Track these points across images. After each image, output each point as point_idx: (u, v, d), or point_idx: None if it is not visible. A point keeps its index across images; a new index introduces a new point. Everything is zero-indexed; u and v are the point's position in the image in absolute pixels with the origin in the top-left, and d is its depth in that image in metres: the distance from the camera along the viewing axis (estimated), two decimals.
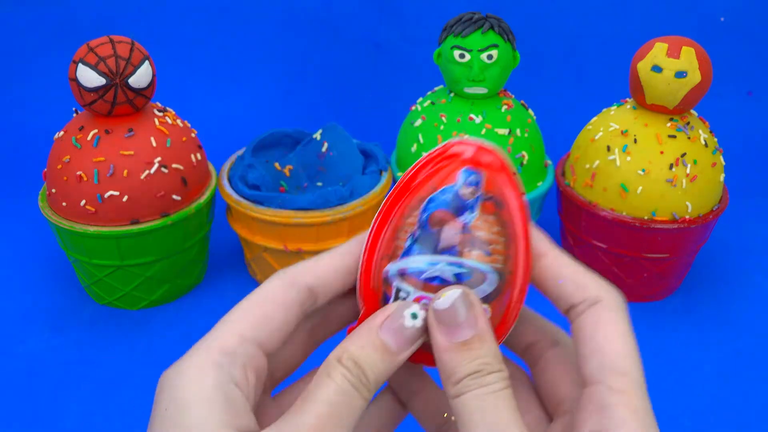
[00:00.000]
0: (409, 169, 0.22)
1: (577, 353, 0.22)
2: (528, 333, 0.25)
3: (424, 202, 0.22)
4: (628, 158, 0.52)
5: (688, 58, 0.50)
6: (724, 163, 0.54)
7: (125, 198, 0.50)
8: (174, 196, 0.52)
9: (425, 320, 0.21)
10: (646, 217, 0.52)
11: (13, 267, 0.61)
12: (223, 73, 0.88)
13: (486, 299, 0.22)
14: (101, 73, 0.48)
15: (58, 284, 0.59)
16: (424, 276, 0.22)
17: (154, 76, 0.51)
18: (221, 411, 0.19)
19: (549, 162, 0.61)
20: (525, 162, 0.56)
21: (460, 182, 0.22)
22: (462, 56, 0.55)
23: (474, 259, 0.22)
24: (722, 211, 0.54)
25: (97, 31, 0.82)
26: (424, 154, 0.23)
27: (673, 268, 0.56)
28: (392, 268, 0.22)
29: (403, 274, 0.22)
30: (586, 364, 0.21)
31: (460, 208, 0.22)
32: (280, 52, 0.88)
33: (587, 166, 0.55)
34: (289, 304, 0.22)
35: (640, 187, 0.52)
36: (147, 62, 0.51)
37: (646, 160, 0.52)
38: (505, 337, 0.23)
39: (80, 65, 0.49)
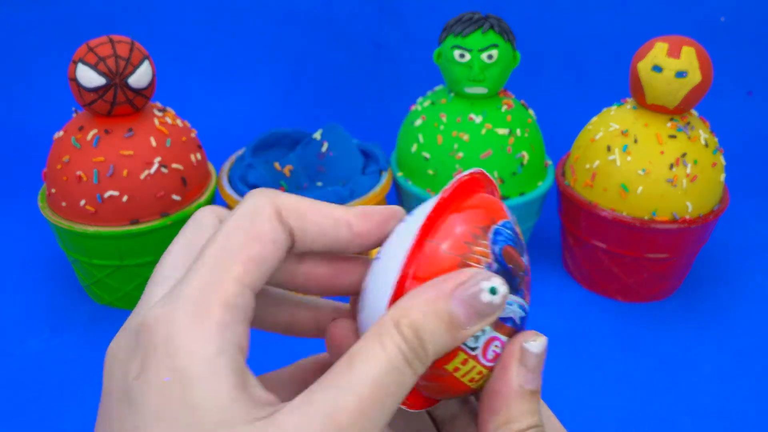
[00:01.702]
0: (448, 188, 0.20)
1: (480, 414, 0.20)
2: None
3: (491, 233, 0.19)
4: (629, 158, 0.52)
5: (689, 58, 0.50)
6: (724, 163, 0.54)
7: (125, 198, 0.50)
8: (174, 196, 0.52)
9: (505, 297, 0.18)
10: (646, 217, 0.52)
11: (13, 267, 0.61)
12: (223, 73, 0.88)
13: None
14: (101, 73, 0.48)
15: (58, 284, 0.59)
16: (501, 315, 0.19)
17: (154, 76, 0.51)
18: (232, 386, 0.16)
19: (549, 162, 0.61)
20: (525, 162, 0.56)
21: (513, 219, 0.21)
22: (462, 56, 0.55)
23: (525, 300, 0.21)
24: (722, 211, 0.54)
25: (97, 31, 0.82)
26: (454, 180, 0.20)
27: (674, 268, 0.56)
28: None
29: None
30: (485, 424, 0.20)
31: (521, 248, 0.20)
32: (280, 52, 0.88)
33: (587, 166, 0.55)
34: (280, 243, 0.19)
35: (641, 187, 0.52)
36: (147, 62, 0.51)
37: (646, 160, 0.52)
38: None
39: (80, 65, 0.49)
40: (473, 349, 0.19)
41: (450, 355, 0.19)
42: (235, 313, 0.17)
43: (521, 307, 0.20)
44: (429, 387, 0.20)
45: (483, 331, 0.19)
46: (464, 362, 0.19)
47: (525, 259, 0.20)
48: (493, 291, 0.18)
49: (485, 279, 0.18)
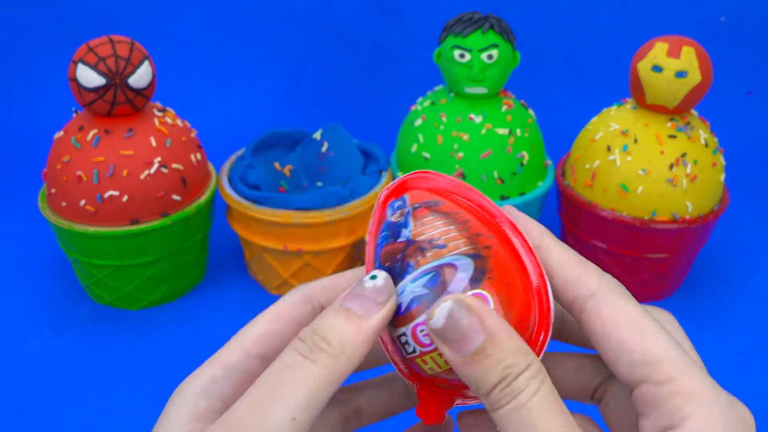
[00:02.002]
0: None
1: (602, 355, 0.21)
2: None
3: (375, 252, 0.22)
4: (629, 158, 0.52)
5: (689, 58, 0.50)
6: (724, 163, 0.54)
7: (125, 198, 0.50)
8: (174, 196, 0.52)
9: (387, 278, 0.21)
10: (646, 217, 0.52)
11: (13, 267, 0.61)
12: (223, 73, 0.88)
13: (474, 284, 0.20)
14: (101, 73, 0.48)
15: (58, 284, 0.59)
16: (402, 311, 0.21)
17: (154, 76, 0.51)
18: (189, 420, 0.20)
19: (549, 162, 0.61)
20: (525, 162, 0.56)
21: (388, 214, 0.22)
22: (462, 56, 0.55)
23: (431, 260, 0.21)
24: (722, 211, 0.54)
25: (97, 31, 0.82)
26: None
27: (674, 268, 0.56)
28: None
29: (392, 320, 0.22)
30: (618, 368, 0.20)
31: (397, 232, 0.22)
32: (280, 52, 0.88)
33: (587, 166, 0.55)
34: (302, 320, 0.22)
35: (641, 187, 0.52)
36: (147, 62, 0.51)
37: (646, 160, 0.52)
38: (546, 306, 0.21)
39: (80, 65, 0.49)
40: (417, 347, 0.21)
41: (415, 361, 0.21)
42: (232, 373, 0.21)
43: (415, 279, 0.21)
44: (437, 393, 0.22)
45: (406, 334, 0.21)
46: (424, 361, 0.21)
47: (408, 230, 0.22)
48: (372, 277, 0.21)
49: (367, 274, 0.21)
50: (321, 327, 0.20)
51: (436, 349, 0.20)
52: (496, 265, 0.21)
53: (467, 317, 0.19)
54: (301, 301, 0.23)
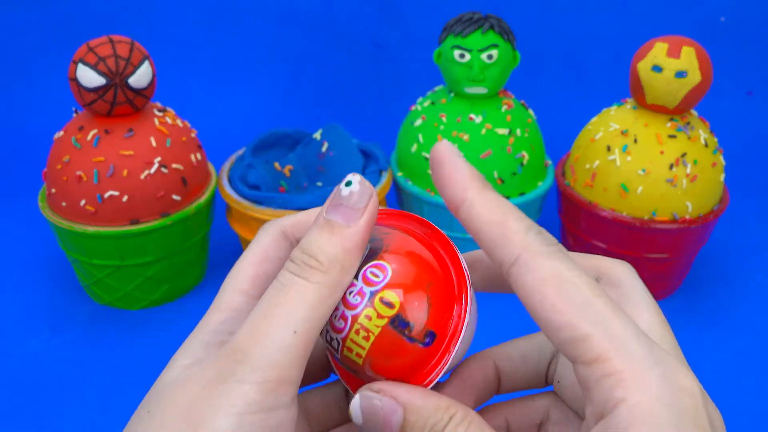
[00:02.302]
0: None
1: (540, 328, 0.19)
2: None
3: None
4: (629, 158, 0.52)
5: (688, 58, 0.50)
6: (724, 163, 0.54)
7: (125, 198, 0.50)
8: (174, 196, 0.52)
9: (362, 182, 0.20)
10: (646, 217, 0.52)
11: (13, 267, 0.61)
12: (223, 73, 0.88)
13: (369, 260, 0.21)
14: (101, 73, 0.48)
15: (58, 284, 0.59)
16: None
17: (154, 76, 0.51)
18: (191, 353, 0.20)
19: (549, 162, 0.61)
20: (525, 162, 0.56)
21: None
22: (462, 56, 0.55)
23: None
24: (722, 211, 0.54)
25: (97, 31, 0.82)
26: None
27: (673, 268, 0.56)
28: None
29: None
30: (555, 346, 0.19)
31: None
32: (280, 52, 0.88)
33: (587, 166, 0.55)
34: (285, 258, 0.22)
35: (641, 187, 0.52)
36: (147, 62, 0.50)
37: (646, 160, 0.52)
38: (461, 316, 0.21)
39: (80, 65, 0.49)
40: (335, 335, 0.21)
41: (345, 357, 0.21)
42: (238, 314, 0.21)
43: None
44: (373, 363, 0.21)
45: (328, 331, 0.21)
46: (349, 349, 0.21)
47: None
48: (348, 183, 0.20)
49: (342, 182, 0.21)
50: (309, 245, 0.20)
51: (350, 330, 0.21)
52: (392, 241, 0.21)
53: (380, 401, 0.20)
54: (277, 238, 0.22)
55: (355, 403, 0.20)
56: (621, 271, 0.22)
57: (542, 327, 0.18)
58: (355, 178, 0.20)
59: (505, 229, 0.19)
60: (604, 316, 0.17)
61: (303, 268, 0.19)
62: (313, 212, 0.23)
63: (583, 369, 0.17)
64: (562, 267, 0.18)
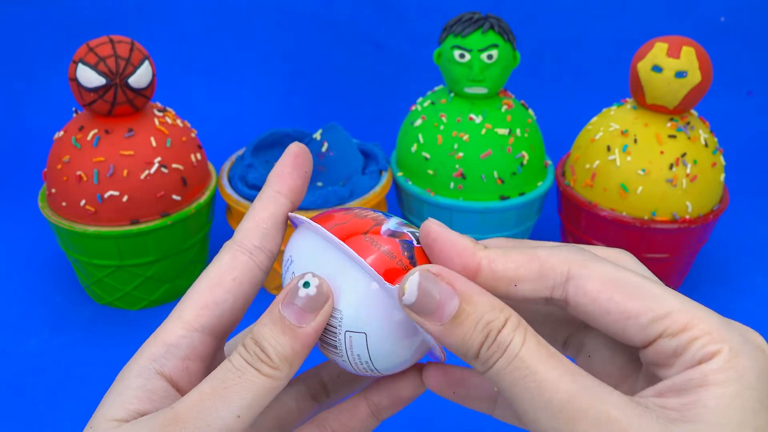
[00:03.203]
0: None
1: (605, 330, 0.20)
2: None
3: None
4: (628, 158, 0.52)
5: (688, 58, 0.50)
6: (724, 163, 0.54)
7: (125, 198, 0.50)
8: (174, 196, 0.52)
9: (319, 286, 0.20)
10: (646, 217, 0.52)
11: (13, 267, 0.61)
12: (223, 73, 0.88)
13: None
14: (101, 73, 0.48)
15: (58, 284, 0.59)
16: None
17: (154, 76, 0.51)
18: (131, 399, 0.21)
19: (549, 162, 0.61)
20: (525, 162, 0.56)
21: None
22: (462, 56, 0.55)
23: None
24: (722, 211, 0.54)
25: (97, 31, 0.82)
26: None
27: (673, 268, 0.56)
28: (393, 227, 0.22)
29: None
30: (627, 337, 0.20)
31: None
32: (279, 52, 0.88)
33: (587, 166, 0.55)
34: (245, 276, 0.22)
35: (640, 187, 0.52)
36: (147, 62, 0.51)
37: (646, 160, 0.52)
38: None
39: (80, 65, 0.49)
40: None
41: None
42: (172, 350, 0.21)
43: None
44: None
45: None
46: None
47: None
48: (306, 285, 0.20)
49: (300, 279, 0.21)
50: (261, 339, 0.20)
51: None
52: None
53: (437, 285, 0.19)
54: (234, 256, 0.22)
55: (414, 279, 0.19)
56: (625, 261, 0.22)
57: (619, 322, 0.19)
58: (313, 280, 0.21)
59: (537, 262, 0.20)
60: (671, 294, 0.20)
61: (254, 359, 0.20)
62: (258, 216, 0.23)
63: (668, 342, 0.19)
64: (610, 268, 0.20)
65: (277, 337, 0.20)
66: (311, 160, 0.24)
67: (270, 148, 0.60)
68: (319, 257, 0.22)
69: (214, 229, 0.63)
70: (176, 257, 0.54)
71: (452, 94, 0.58)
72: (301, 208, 0.52)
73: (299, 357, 0.21)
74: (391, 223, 0.22)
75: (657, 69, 0.51)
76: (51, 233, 0.64)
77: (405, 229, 0.22)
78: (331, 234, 0.21)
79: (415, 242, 0.21)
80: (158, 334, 0.22)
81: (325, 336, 0.22)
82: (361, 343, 0.21)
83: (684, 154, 0.51)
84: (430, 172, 0.56)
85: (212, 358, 0.23)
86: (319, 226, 0.22)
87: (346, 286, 0.21)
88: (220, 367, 0.20)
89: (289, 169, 0.23)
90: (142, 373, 0.21)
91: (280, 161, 0.24)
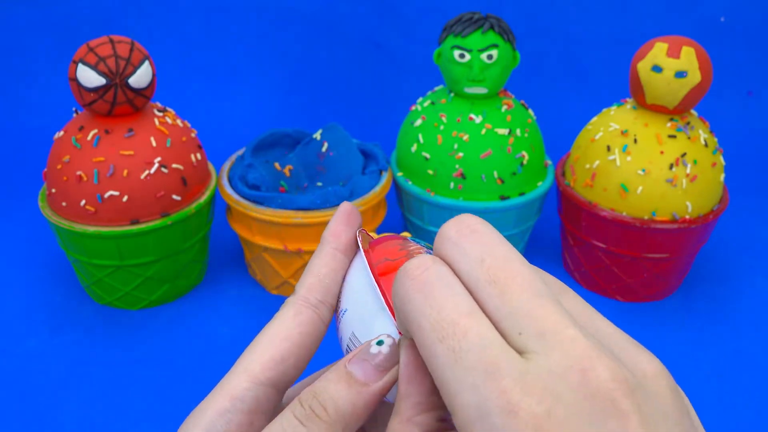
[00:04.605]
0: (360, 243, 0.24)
1: None
2: None
3: (410, 239, 0.23)
4: (628, 158, 0.52)
5: (688, 58, 0.50)
6: (724, 163, 0.54)
7: (125, 198, 0.50)
8: (174, 196, 0.52)
9: (394, 345, 0.20)
10: (646, 217, 0.52)
11: (13, 267, 0.61)
12: (223, 73, 0.88)
13: None
14: (101, 73, 0.48)
15: (58, 284, 0.59)
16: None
17: (154, 76, 0.51)
18: None
19: (549, 162, 0.61)
20: (525, 162, 0.56)
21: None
22: (462, 56, 0.55)
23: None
24: (722, 211, 0.54)
25: (97, 31, 0.82)
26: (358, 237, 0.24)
27: (673, 268, 0.56)
28: None
29: None
30: None
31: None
32: (280, 52, 0.88)
33: (587, 166, 0.55)
34: (310, 330, 0.22)
35: (640, 187, 0.52)
36: (147, 62, 0.51)
37: (646, 160, 0.52)
38: None
39: (80, 65, 0.49)
40: None
41: None
42: (239, 404, 0.21)
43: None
44: None
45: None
46: None
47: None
48: (379, 343, 0.20)
49: (375, 339, 0.20)
50: (321, 392, 0.20)
51: None
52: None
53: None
54: (298, 311, 0.22)
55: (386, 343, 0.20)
56: None
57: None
58: (387, 340, 0.20)
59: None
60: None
61: (309, 417, 0.20)
62: (319, 272, 0.23)
63: None
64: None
65: (340, 392, 0.20)
66: (360, 215, 0.24)
67: (270, 148, 0.60)
68: (366, 294, 0.22)
69: (214, 229, 0.63)
70: (176, 257, 0.54)
71: (452, 94, 0.58)
72: (301, 208, 0.52)
73: (358, 417, 0.20)
74: None
75: (657, 69, 0.51)
76: (51, 233, 0.64)
77: None
78: (374, 280, 0.21)
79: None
80: (223, 386, 0.21)
81: None
82: None
83: (684, 154, 0.51)
84: (430, 172, 0.56)
85: (273, 411, 0.22)
86: (367, 264, 0.22)
87: (377, 330, 0.21)
88: (273, 424, 0.20)
89: (343, 227, 0.24)
90: (211, 430, 0.21)
91: (334, 218, 0.24)
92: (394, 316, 0.20)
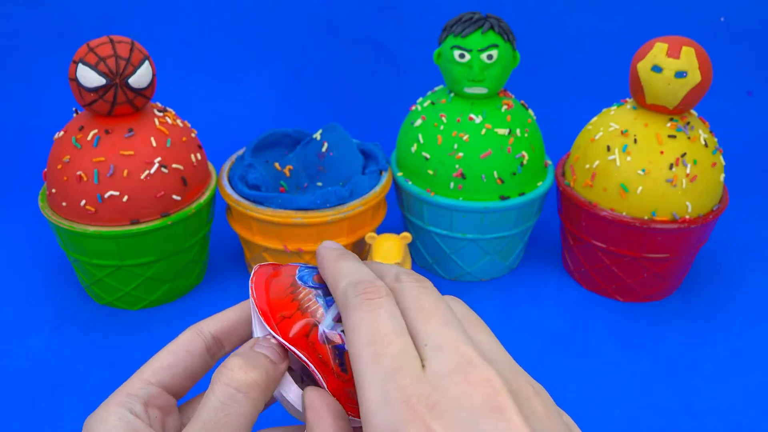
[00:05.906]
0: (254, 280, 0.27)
1: None
2: None
3: (297, 279, 0.26)
4: (628, 158, 0.52)
5: (688, 58, 0.50)
6: (724, 163, 0.54)
7: (125, 198, 0.50)
8: (174, 196, 0.52)
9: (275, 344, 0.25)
10: (646, 217, 0.52)
11: (13, 267, 0.61)
12: (223, 73, 0.88)
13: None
14: (101, 73, 0.48)
15: (58, 284, 0.59)
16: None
17: (154, 76, 0.51)
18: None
19: (549, 162, 0.61)
20: (525, 162, 0.56)
21: (300, 266, 0.27)
22: (462, 56, 0.55)
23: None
24: (722, 211, 0.54)
25: (97, 31, 0.82)
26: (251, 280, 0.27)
27: (673, 268, 0.56)
28: (327, 328, 0.24)
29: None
30: None
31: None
32: (279, 52, 0.88)
33: (587, 166, 0.55)
34: (195, 351, 0.27)
35: (640, 187, 0.52)
36: (147, 62, 0.51)
37: (646, 160, 0.52)
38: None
39: (80, 65, 0.49)
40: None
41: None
42: (134, 398, 0.26)
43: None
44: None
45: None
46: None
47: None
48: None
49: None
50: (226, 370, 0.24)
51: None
52: None
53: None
54: (193, 335, 0.28)
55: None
56: None
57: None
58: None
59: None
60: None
61: (236, 391, 0.24)
62: (229, 311, 0.28)
63: None
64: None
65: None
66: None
67: (270, 148, 0.60)
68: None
69: (214, 229, 0.63)
70: (176, 257, 0.54)
71: (452, 94, 0.58)
72: (301, 208, 0.52)
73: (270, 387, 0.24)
74: (327, 321, 0.24)
75: (657, 69, 0.51)
76: (51, 233, 0.64)
77: (339, 330, 0.24)
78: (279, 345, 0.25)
79: (346, 346, 0.24)
80: (120, 389, 0.26)
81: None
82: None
83: (684, 154, 0.51)
84: (430, 172, 0.56)
85: (168, 411, 0.26)
86: (268, 328, 0.25)
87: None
88: (207, 402, 0.23)
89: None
90: (121, 415, 0.25)
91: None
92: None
